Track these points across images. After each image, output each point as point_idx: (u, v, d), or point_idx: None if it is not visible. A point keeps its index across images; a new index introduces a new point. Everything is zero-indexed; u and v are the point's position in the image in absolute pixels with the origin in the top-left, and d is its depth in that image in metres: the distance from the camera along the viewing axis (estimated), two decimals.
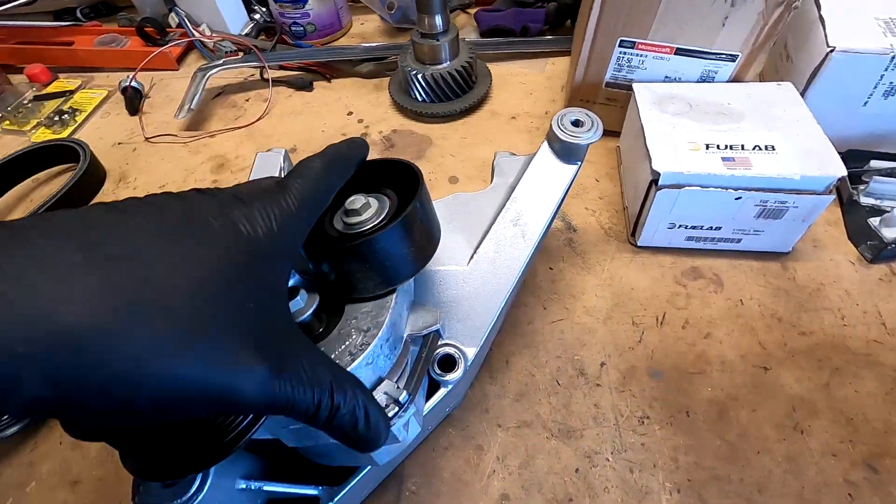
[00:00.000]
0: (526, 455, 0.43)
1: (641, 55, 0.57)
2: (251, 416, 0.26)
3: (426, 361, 0.36)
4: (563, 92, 0.75)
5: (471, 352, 0.40)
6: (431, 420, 0.42)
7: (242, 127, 0.76)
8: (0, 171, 0.66)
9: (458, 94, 0.73)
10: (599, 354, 0.48)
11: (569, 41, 0.80)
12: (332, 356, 0.30)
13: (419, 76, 0.70)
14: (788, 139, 0.49)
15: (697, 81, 0.58)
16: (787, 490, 0.40)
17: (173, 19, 0.89)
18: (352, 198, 0.32)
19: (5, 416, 0.45)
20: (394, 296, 0.34)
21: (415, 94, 0.73)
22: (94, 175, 0.69)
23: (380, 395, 0.31)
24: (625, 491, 0.41)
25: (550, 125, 0.45)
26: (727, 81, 0.57)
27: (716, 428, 0.43)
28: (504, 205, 0.45)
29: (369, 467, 0.36)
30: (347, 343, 0.31)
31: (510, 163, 0.49)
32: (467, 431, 0.45)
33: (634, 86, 0.56)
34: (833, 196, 0.46)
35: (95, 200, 0.68)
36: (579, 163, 0.46)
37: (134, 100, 0.80)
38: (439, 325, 0.37)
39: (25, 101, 0.80)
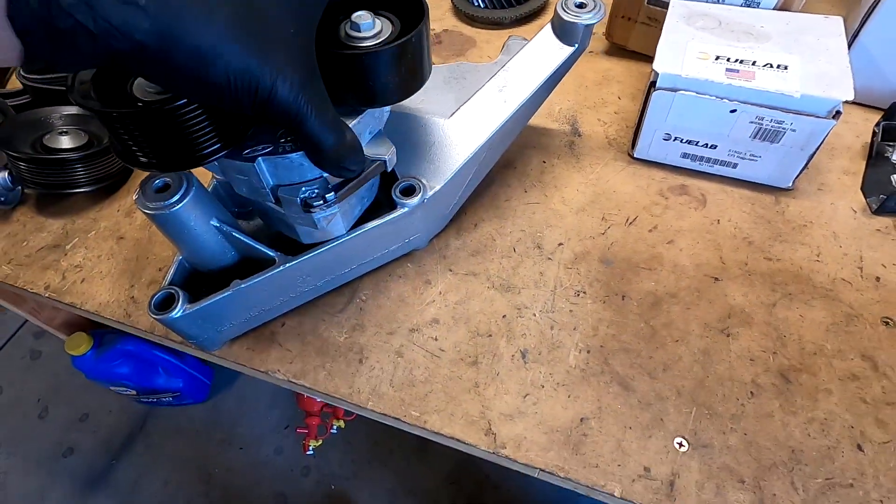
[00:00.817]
0: (465, 296, 0.48)
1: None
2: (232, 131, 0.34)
3: (360, 181, 0.41)
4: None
5: (432, 187, 0.45)
6: (389, 241, 0.48)
7: None
8: None
9: (512, 4, 0.75)
10: (560, 236, 0.52)
11: None
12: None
13: None
14: (806, 62, 0.47)
15: (741, 5, 0.56)
16: (690, 375, 0.42)
17: None
18: (360, 12, 0.38)
19: (80, 177, 0.58)
20: (360, 116, 0.39)
21: None
22: None
23: (312, 188, 0.38)
24: (539, 340, 0.45)
25: (555, 6, 0.48)
26: (773, 9, 0.55)
27: (645, 314, 0.46)
28: (496, 74, 0.49)
29: (316, 251, 0.43)
30: None
31: (518, 45, 0.52)
32: (421, 268, 0.51)
33: (672, 1, 0.56)
34: (834, 122, 0.45)
35: None
36: (576, 45, 0.48)
37: None
38: (387, 158, 0.41)
39: None
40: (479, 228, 0.53)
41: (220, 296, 0.41)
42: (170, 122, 0.32)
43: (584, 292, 0.47)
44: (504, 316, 0.47)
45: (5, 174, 0.58)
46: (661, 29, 0.60)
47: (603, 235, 0.51)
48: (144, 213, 0.37)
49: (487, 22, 0.76)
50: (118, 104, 0.32)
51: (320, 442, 1.36)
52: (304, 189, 0.38)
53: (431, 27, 0.78)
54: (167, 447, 1.55)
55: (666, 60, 0.49)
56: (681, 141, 0.53)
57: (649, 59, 0.66)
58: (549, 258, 0.50)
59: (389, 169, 0.42)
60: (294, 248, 0.44)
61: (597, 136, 0.60)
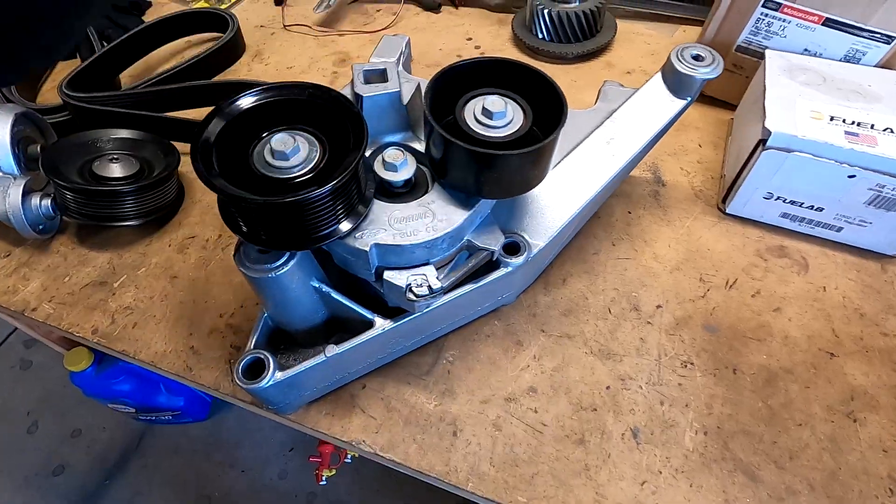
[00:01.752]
0: (562, 361, 0.45)
1: (784, 20, 0.54)
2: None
3: (468, 272, 0.38)
4: None
5: (536, 245, 0.42)
6: (482, 300, 0.44)
7: (369, 32, 0.81)
8: (161, 25, 0.76)
9: (579, 39, 0.73)
10: (658, 298, 0.48)
11: (705, 11, 0.77)
12: (406, 222, 0.34)
13: (545, 11, 0.71)
14: None
15: (840, 60, 0.54)
16: (820, 466, 0.39)
17: None
18: (493, 98, 0.34)
19: (129, 209, 0.53)
20: (478, 205, 0.36)
21: (536, 31, 0.74)
22: (236, 46, 0.77)
23: (419, 275, 0.34)
24: (650, 417, 0.41)
25: (668, 57, 0.45)
26: (875, 66, 0.53)
27: (761, 391, 0.43)
28: (602, 124, 0.46)
29: (414, 315, 0.39)
30: (423, 220, 0.34)
31: (617, 92, 0.49)
32: (511, 327, 0.47)
33: (767, 52, 0.54)
34: None
35: (231, 70, 0.76)
36: (689, 98, 0.45)
37: None
38: (496, 250, 0.39)
39: None
40: (568, 284, 0.50)
41: (314, 362, 0.37)
42: (308, 208, 0.30)
43: (692, 363, 0.44)
44: (608, 387, 0.43)
45: (49, 202, 0.53)
46: (749, 78, 0.58)
47: (703, 299, 0.48)
48: (245, 275, 0.33)
49: (550, 55, 0.74)
50: (245, 181, 0.30)
51: (333, 472, 1.30)
52: (410, 277, 0.35)
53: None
54: (164, 467, 1.48)
55: (778, 118, 0.46)
56: (783, 201, 0.50)
57: (728, 105, 0.64)
58: (649, 322, 0.47)
59: (496, 258, 0.39)
60: (383, 306, 0.40)
61: (681, 186, 0.57)
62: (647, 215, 0.55)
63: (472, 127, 0.35)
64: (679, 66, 0.44)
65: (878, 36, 0.51)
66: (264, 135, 0.33)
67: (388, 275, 0.35)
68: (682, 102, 0.45)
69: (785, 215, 0.51)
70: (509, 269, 0.41)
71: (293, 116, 0.33)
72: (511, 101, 0.35)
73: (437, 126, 0.33)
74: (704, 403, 0.42)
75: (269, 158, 0.31)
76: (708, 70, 0.43)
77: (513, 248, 0.41)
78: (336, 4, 0.81)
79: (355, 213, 0.34)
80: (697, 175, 0.58)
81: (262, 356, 0.36)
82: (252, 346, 0.38)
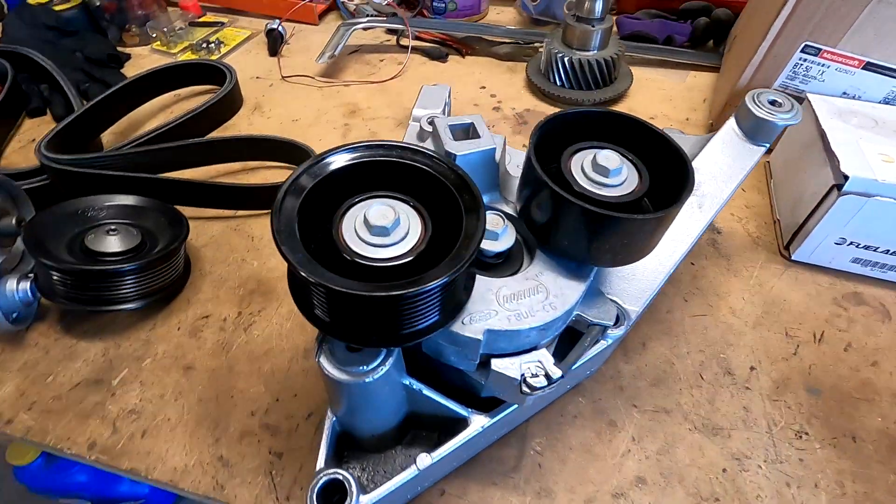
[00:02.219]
0: (665, 442, 0.39)
1: (823, 65, 0.54)
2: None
3: (582, 352, 0.33)
4: (706, 104, 0.72)
5: (633, 311, 0.37)
6: (570, 379, 0.38)
7: (375, 82, 0.77)
8: (149, 79, 0.69)
9: (597, 85, 0.71)
10: (748, 358, 0.44)
11: (714, 57, 0.78)
12: (516, 300, 0.29)
13: (564, 59, 0.69)
14: None
15: (880, 102, 0.54)
16: None
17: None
18: (606, 152, 0.30)
19: (129, 290, 0.45)
20: (592, 275, 0.31)
21: (554, 78, 0.72)
22: (234, 99, 0.71)
23: (533, 362, 0.29)
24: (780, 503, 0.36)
25: (743, 101, 0.43)
26: None
27: (889, 461, 0.38)
28: None
29: (515, 407, 0.33)
30: (535, 297, 0.29)
31: (681, 139, 0.46)
32: (599, 405, 0.41)
33: (809, 96, 0.53)
34: None
35: (229, 124, 0.70)
36: (767, 145, 0.43)
37: (276, 42, 0.83)
38: (611, 324, 0.34)
39: (178, 27, 0.84)
40: (648, 349, 0.45)
41: (404, 478, 0.30)
42: (419, 299, 0.24)
43: (806, 433, 0.40)
44: (724, 470, 0.38)
45: (27, 284, 0.44)
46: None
47: (796, 357, 0.44)
48: (332, 379, 0.26)
49: (568, 102, 0.72)
50: (327, 259, 0.24)
51: None
52: (524, 366, 0.29)
53: (511, 106, 0.73)
54: None
55: (852, 163, 0.44)
56: (856, 246, 0.48)
57: None
58: (747, 387, 0.42)
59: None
60: (470, 397, 0.33)
61: (738, 234, 0.54)
62: (711, 266, 0.51)
63: (581, 185, 0.30)
64: (757, 112, 0.41)
65: None
66: (353, 203, 0.27)
67: (496, 365, 0.29)
68: (761, 150, 0.43)
69: (857, 260, 0.49)
70: (609, 342, 0.36)
71: (380, 181, 0.28)
72: (627, 158, 0.31)
73: (551, 182, 0.28)
74: (835, 482, 0.37)
75: (363, 235, 0.25)
76: (788, 116, 0.41)
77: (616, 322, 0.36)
78: (339, 53, 0.77)
79: (462, 295, 0.28)
80: (750, 221, 0.56)
81: (341, 477, 0.29)
82: (323, 464, 0.30)
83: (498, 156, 0.33)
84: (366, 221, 0.25)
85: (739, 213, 0.57)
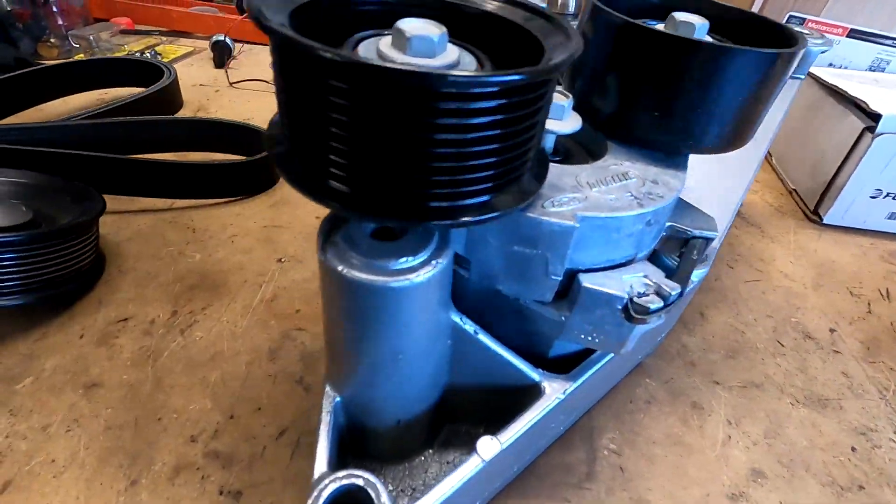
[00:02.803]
0: (769, 423, 0.30)
1: (808, 34, 0.53)
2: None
3: (692, 265, 0.25)
4: None
5: (713, 246, 0.29)
6: (616, 376, 0.29)
7: None
8: (63, 70, 0.58)
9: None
10: (822, 320, 0.37)
11: None
12: (603, 188, 0.20)
13: None
14: None
15: (866, 70, 0.54)
16: None
17: None
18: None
19: (12, 279, 0.31)
20: (687, 164, 0.24)
21: None
22: (173, 97, 0.60)
23: (636, 277, 0.20)
24: None
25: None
26: None
27: None
28: None
29: (608, 357, 0.23)
30: (629, 182, 0.21)
31: None
32: (673, 385, 0.31)
33: (815, 72, 0.52)
34: None
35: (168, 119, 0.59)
36: (802, 77, 0.39)
37: (223, 54, 0.75)
38: (715, 234, 0.26)
39: (108, 36, 0.75)
40: (709, 319, 0.36)
41: (464, 478, 0.18)
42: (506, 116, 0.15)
43: None
44: (853, 449, 0.28)
45: None
46: None
47: (872, 315, 0.38)
48: (353, 281, 0.15)
49: None
50: None
51: None
52: (630, 280, 0.20)
53: None
54: None
55: (880, 104, 0.41)
56: (892, 197, 0.44)
57: None
58: (836, 351, 0.34)
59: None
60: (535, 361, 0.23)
61: (758, 205, 0.50)
62: (744, 234, 0.45)
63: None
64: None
65: None
66: (367, 36, 0.18)
67: (590, 281, 0.19)
68: (797, 82, 0.38)
69: (893, 216, 0.45)
70: (695, 284, 0.27)
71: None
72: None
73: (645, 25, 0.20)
74: None
75: (393, 55, 0.16)
76: (821, 42, 0.37)
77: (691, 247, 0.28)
78: None
79: (534, 170, 0.19)
80: (766, 193, 0.51)
81: (361, 482, 0.17)
82: (325, 466, 0.18)
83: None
84: (398, 36, 0.16)
85: (753, 186, 0.52)
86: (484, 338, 0.20)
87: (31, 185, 0.37)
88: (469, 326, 0.20)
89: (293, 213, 0.45)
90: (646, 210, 0.19)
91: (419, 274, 0.16)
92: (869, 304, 0.39)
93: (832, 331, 0.36)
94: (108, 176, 0.42)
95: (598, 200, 0.19)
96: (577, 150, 0.25)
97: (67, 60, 0.57)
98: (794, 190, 0.51)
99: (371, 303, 0.16)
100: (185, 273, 0.38)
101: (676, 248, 0.24)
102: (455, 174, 0.15)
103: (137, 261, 0.39)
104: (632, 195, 0.20)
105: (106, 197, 0.38)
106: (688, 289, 0.26)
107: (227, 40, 0.76)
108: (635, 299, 0.19)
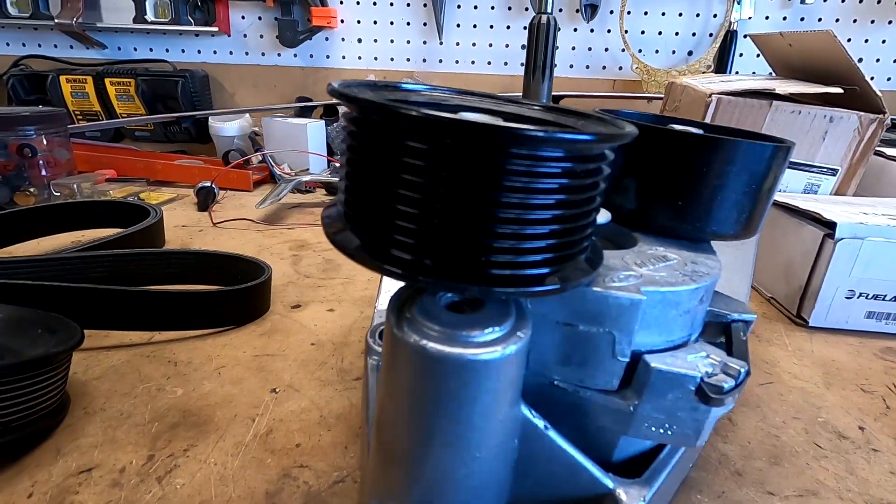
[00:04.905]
0: None
1: None
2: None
3: (744, 346, 0.25)
4: None
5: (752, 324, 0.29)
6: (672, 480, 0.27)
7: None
8: (33, 213, 0.57)
9: None
10: (848, 419, 0.36)
11: None
12: (650, 267, 0.21)
13: None
14: None
15: (801, 193, 0.61)
16: None
17: (257, 158, 0.95)
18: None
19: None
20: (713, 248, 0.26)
21: None
22: (156, 236, 0.60)
23: (699, 355, 0.20)
24: None
25: None
26: (830, 194, 0.61)
27: None
28: None
29: (679, 453, 0.21)
30: (671, 263, 0.22)
31: None
32: (727, 500, 0.28)
33: None
34: None
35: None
36: None
37: (207, 198, 0.77)
38: (753, 317, 0.26)
39: (91, 185, 0.76)
40: (738, 424, 0.35)
41: None
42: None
43: None
44: None
45: None
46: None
47: (891, 410, 0.37)
48: (432, 356, 0.14)
49: None
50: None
51: None
52: (697, 359, 0.19)
53: None
54: None
55: (832, 214, 0.46)
56: (865, 297, 0.47)
57: None
58: (874, 448, 0.33)
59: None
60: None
61: None
62: None
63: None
64: None
65: (826, 170, 0.60)
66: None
67: (659, 361, 0.19)
68: None
69: (871, 315, 0.47)
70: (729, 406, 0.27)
71: None
72: None
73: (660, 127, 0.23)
74: None
75: None
76: None
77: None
78: (283, 196, 0.73)
79: (589, 253, 0.19)
80: None
81: None
82: None
83: None
84: None
85: None
86: (554, 435, 0.18)
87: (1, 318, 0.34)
88: (539, 421, 0.18)
89: (286, 341, 0.42)
90: (699, 285, 0.19)
91: (507, 346, 0.14)
92: (884, 399, 0.38)
93: (861, 429, 0.35)
94: (82, 307, 0.39)
95: (652, 277, 0.19)
96: (606, 244, 0.26)
97: (46, 204, 0.57)
98: (773, 297, 0.53)
99: (453, 382, 0.14)
100: (164, 411, 0.34)
101: (716, 334, 0.24)
102: (518, 239, 0.15)
103: (108, 400, 0.34)
104: (680, 273, 0.20)
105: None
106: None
107: (213, 186, 0.80)
108: (707, 379, 0.18)
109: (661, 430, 0.19)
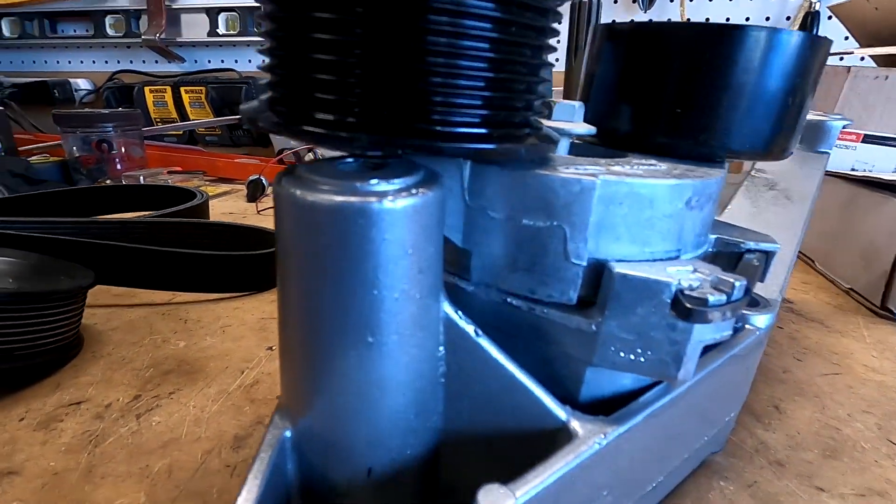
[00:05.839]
0: None
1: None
2: None
3: (757, 274, 0.20)
4: None
5: (774, 300, 0.24)
6: (699, 425, 0.22)
7: None
8: (93, 193, 0.62)
9: None
10: None
11: None
12: (629, 166, 0.17)
13: None
14: None
15: (892, 172, 0.53)
16: None
17: (309, 156, 0.98)
18: None
19: None
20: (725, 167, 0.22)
21: None
22: (200, 216, 0.63)
23: (684, 268, 0.16)
24: None
25: None
26: None
27: None
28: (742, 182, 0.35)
29: (667, 397, 0.17)
30: (660, 167, 0.18)
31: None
32: (760, 490, 0.23)
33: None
34: None
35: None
36: (828, 152, 0.37)
37: (256, 190, 0.81)
38: (777, 247, 0.22)
39: (157, 175, 0.82)
40: (788, 413, 0.29)
41: None
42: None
43: None
44: None
45: None
46: None
47: None
48: (308, 202, 0.12)
49: None
50: None
51: None
52: (672, 269, 0.16)
53: None
54: None
55: None
56: None
57: None
58: None
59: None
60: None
61: (814, 302, 0.44)
62: (804, 329, 0.39)
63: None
64: (809, 118, 0.37)
65: None
66: None
67: (626, 268, 0.15)
68: (825, 156, 0.37)
69: None
70: (757, 332, 0.22)
71: None
72: None
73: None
74: None
75: None
76: (839, 117, 0.37)
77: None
78: None
79: (535, 123, 0.16)
80: (818, 293, 0.46)
81: None
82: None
83: None
84: None
85: (800, 287, 0.47)
86: (486, 343, 0.15)
87: (26, 264, 0.36)
88: (468, 326, 0.15)
89: None
90: (683, 182, 0.16)
91: (395, 200, 0.12)
92: None
93: None
94: (108, 263, 0.41)
95: (623, 172, 0.16)
96: None
97: (106, 185, 0.62)
98: (851, 289, 0.45)
99: (330, 234, 0.12)
100: (162, 359, 0.34)
101: (727, 267, 0.20)
102: (448, 88, 0.13)
103: (116, 347, 0.35)
104: (662, 173, 0.17)
105: (109, 293, 0.36)
106: (752, 337, 0.21)
107: (263, 179, 0.83)
108: (687, 291, 0.15)
109: (633, 356, 0.16)
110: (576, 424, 0.15)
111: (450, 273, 0.18)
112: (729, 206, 0.31)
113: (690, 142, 0.20)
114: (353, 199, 0.12)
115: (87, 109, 0.88)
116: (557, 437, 0.15)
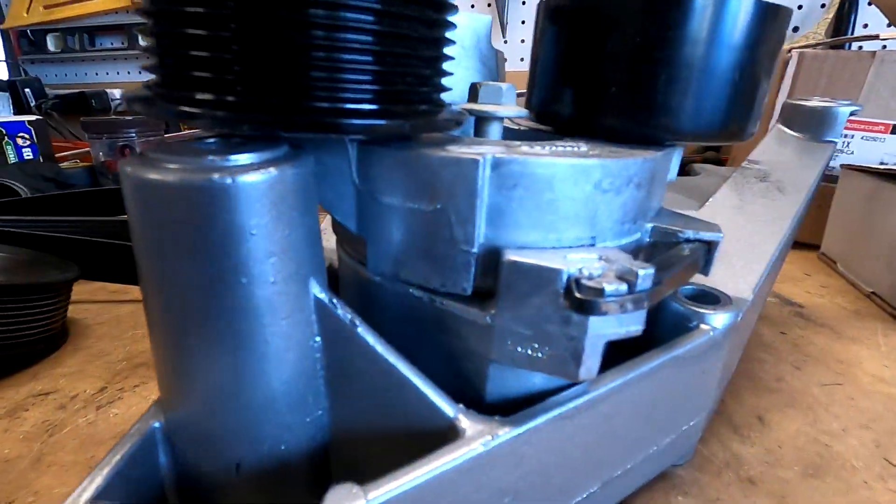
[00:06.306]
0: None
1: (847, 135, 0.50)
2: None
3: (689, 267, 0.18)
4: None
5: (744, 297, 0.22)
6: (651, 429, 0.20)
7: None
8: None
9: None
10: None
11: None
12: (538, 147, 0.16)
13: None
14: None
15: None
16: None
17: None
18: None
19: None
20: (674, 152, 0.20)
21: None
22: None
23: (587, 255, 0.14)
24: None
25: (787, 104, 0.36)
26: None
27: None
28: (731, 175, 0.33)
29: (581, 398, 0.15)
30: (580, 148, 0.16)
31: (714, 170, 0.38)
32: None
33: (843, 169, 0.47)
34: None
35: None
36: (835, 141, 0.34)
37: None
38: (720, 236, 0.20)
39: None
40: (771, 424, 0.26)
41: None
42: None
43: None
44: None
45: None
46: (825, 210, 0.50)
47: None
48: (150, 182, 0.11)
49: None
50: None
51: None
52: (571, 256, 0.14)
53: None
54: None
55: None
56: None
57: (809, 246, 0.54)
58: None
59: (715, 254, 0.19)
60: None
61: (829, 307, 0.40)
62: (811, 335, 0.36)
63: None
64: (811, 104, 0.34)
65: None
66: None
67: (514, 254, 0.14)
68: (830, 146, 0.34)
69: None
70: (712, 333, 0.20)
71: None
72: None
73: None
74: None
75: None
76: (847, 103, 0.34)
77: (707, 297, 0.21)
78: None
79: (429, 97, 0.15)
80: (835, 296, 0.42)
81: None
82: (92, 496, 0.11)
83: None
84: None
85: (817, 291, 0.44)
86: (364, 332, 0.14)
87: (12, 258, 0.38)
88: (342, 311, 0.14)
89: None
90: (587, 161, 0.14)
91: (246, 174, 0.11)
92: None
93: None
94: (96, 260, 0.42)
95: (528, 152, 0.15)
96: None
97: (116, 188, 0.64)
98: (874, 293, 0.41)
99: (164, 213, 0.11)
100: (137, 353, 0.34)
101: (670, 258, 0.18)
102: (328, 62, 0.12)
103: (98, 341, 0.36)
104: (579, 154, 0.15)
105: (105, 290, 0.37)
106: (704, 338, 0.19)
107: None
108: (583, 281, 0.13)
109: (530, 352, 0.14)
110: (464, 423, 0.14)
111: (358, 262, 0.17)
112: (712, 199, 0.29)
113: (632, 123, 0.18)
114: (185, 176, 0.11)
115: (113, 116, 0.92)
116: (448, 437, 0.14)
